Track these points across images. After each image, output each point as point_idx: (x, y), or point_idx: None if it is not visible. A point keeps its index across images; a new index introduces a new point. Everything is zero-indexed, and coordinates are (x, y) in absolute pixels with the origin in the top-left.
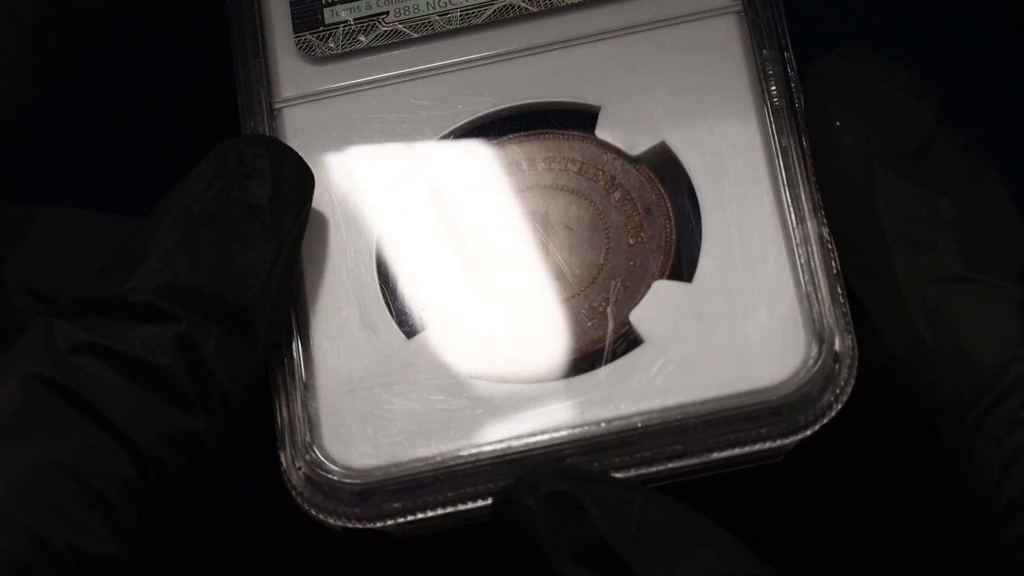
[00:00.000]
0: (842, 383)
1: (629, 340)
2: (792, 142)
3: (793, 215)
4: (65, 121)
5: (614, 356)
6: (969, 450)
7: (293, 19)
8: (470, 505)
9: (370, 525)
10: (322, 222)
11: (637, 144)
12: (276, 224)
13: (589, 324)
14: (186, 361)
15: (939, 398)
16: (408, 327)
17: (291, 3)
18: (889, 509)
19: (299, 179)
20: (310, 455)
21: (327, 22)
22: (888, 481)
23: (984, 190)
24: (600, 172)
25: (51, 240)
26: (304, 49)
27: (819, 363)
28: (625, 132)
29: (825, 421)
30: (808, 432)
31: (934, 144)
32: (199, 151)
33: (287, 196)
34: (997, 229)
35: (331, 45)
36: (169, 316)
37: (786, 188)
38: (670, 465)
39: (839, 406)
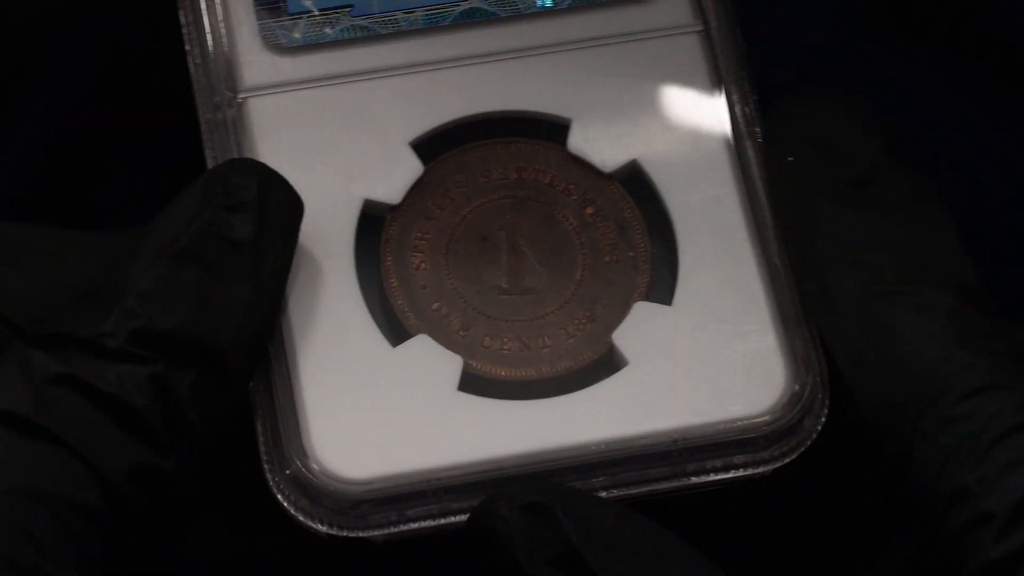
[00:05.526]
0: (819, 412)
1: (612, 361)
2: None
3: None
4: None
5: (597, 377)
6: (910, 453)
7: (255, 4)
8: (452, 520)
9: (352, 534)
10: None
11: (608, 160)
12: (258, 262)
13: (571, 341)
14: (160, 402)
15: (882, 408)
16: (393, 335)
17: None
18: (863, 530)
19: (287, 211)
20: (296, 462)
21: (291, 11)
22: (862, 502)
23: (927, 216)
24: (572, 186)
25: (8, 258)
26: (267, 37)
27: (798, 393)
28: (597, 147)
29: (802, 450)
30: (786, 460)
31: (879, 174)
32: (156, 149)
33: (272, 231)
34: (936, 248)
35: (296, 35)
36: (144, 358)
37: (758, 214)
38: (653, 487)
39: (815, 435)
